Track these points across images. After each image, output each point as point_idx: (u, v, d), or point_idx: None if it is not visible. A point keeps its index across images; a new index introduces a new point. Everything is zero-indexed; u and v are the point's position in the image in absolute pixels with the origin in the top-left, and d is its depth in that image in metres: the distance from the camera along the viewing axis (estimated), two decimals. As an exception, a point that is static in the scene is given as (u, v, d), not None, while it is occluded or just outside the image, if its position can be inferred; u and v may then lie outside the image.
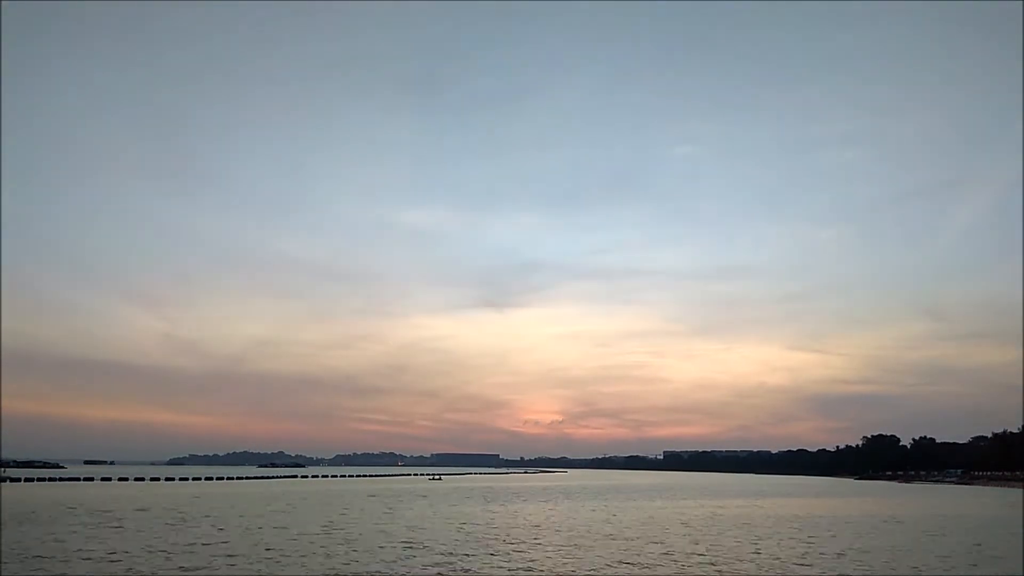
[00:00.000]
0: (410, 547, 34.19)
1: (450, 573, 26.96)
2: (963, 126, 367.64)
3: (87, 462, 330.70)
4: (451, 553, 32.23)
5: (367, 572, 26.96)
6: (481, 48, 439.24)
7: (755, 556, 32.59)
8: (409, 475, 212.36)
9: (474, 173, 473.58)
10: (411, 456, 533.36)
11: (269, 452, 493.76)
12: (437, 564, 28.86)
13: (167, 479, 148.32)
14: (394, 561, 29.60)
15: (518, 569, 28.24)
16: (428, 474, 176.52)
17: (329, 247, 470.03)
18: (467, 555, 31.70)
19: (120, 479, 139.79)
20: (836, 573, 28.10)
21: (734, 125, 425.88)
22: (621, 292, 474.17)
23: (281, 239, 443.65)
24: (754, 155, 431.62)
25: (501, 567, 28.68)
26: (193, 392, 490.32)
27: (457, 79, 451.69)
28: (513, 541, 37.69)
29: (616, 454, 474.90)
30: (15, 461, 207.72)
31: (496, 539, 38.59)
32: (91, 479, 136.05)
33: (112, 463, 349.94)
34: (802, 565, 30.07)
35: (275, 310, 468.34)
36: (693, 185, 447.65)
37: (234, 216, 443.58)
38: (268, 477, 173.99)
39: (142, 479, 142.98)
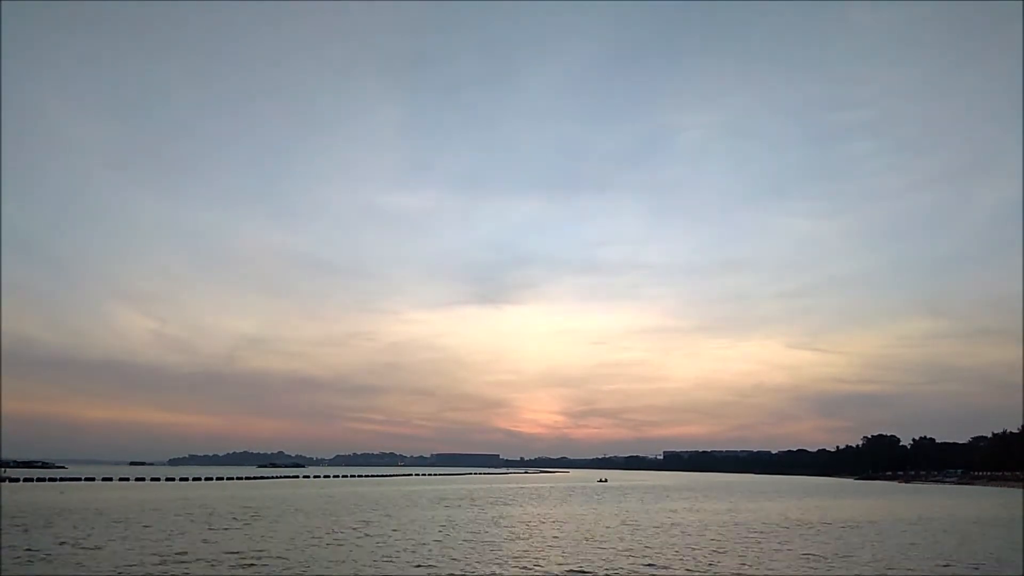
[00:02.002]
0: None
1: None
2: (967, 123, 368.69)
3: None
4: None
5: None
6: (471, 22, 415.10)
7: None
8: (410, 475, 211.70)
9: (466, 156, 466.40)
10: (411, 456, 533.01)
11: (269, 452, 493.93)
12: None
13: (168, 479, 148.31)
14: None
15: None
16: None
17: (318, 238, 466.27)
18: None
19: (121, 479, 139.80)
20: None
21: (741, 112, 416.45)
22: (620, 287, 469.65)
23: (268, 231, 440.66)
24: (759, 145, 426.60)
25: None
26: (187, 391, 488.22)
27: (446, 56, 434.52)
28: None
29: (616, 454, 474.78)
30: (15, 461, 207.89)
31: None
32: (92, 479, 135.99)
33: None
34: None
35: (265, 306, 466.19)
36: (697, 174, 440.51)
37: (219, 209, 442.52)
38: (271, 477, 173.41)
39: (143, 479, 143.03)
